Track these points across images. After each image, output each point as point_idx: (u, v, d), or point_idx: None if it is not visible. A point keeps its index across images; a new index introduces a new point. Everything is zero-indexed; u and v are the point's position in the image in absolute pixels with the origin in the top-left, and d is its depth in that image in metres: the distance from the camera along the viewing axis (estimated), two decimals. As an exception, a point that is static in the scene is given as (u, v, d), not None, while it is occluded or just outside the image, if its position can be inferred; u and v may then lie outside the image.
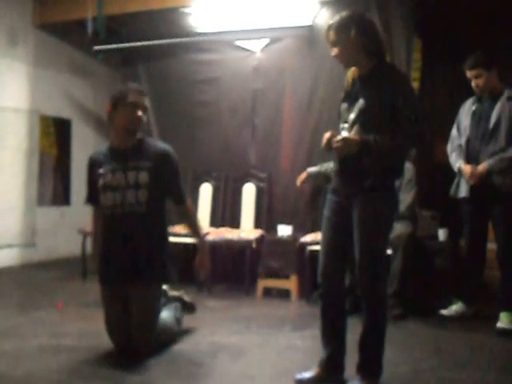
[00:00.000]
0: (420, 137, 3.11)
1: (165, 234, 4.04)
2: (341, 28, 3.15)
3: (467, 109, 4.93)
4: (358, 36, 3.12)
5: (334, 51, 3.21)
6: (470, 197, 4.82)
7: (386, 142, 3.01)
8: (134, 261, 3.83)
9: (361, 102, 3.12)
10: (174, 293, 4.40)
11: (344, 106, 3.25)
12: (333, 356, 3.34)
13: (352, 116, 3.16)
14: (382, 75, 3.13)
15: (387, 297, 3.32)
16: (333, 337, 3.34)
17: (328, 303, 3.34)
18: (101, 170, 3.90)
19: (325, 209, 3.36)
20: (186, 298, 4.49)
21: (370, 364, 3.21)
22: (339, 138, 3.07)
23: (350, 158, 3.13)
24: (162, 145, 4.03)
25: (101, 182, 3.88)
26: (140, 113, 3.86)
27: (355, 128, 3.13)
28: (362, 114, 3.12)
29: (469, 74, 4.79)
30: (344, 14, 3.19)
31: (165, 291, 4.27)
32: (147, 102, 3.99)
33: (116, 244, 3.87)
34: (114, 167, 3.87)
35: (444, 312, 5.04)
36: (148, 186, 3.81)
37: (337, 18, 3.18)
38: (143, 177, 3.82)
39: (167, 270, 3.98)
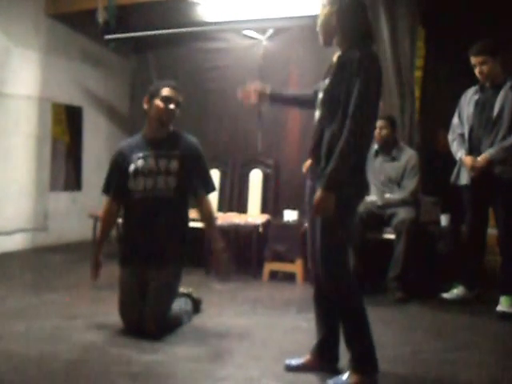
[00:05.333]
0: (355, 137, 2.87)
1: (187, 219, 4.26)
2: (325, 3, 3.09)
3: (469, 98, 4.92)
4: (335, 13, 3.02)
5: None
6: (470, 184, 4.88)
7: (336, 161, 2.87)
8: (158, 243, 4.00)
9: (325, 83, 3.09)
10: (183, 290, 4.48)
11: (321, 84, 3.17)
12: (324, 342, 3.30)
13: (320, 95, 3.14)
14: (350, 59, 2.94)
15: (349, 286, 3.05)
16: (324, 323, 3.30)
17: (318, 289, 3.28)
18: (133, 157, 4.08)
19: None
20: (195, 295, 4.57)
21: (355, 360, 3.04)
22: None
23: (314, 146, 3.10)
24: (191, 138, 4.24)
25: (132, 167, 4.06)
26: (172, 106, 4.07)
27: (321, 108, 3.10)
28: (324, 95, 3.08)
29: (474, 60, 4.78)
30: None
31: None
32: (181, 97, 4.16)
33: (143, 226, 4.02)
34: (146, 154, 4.08)
35: (445, 295, 5.11)
36: (177, 173, 4.03)
37: None
38: (173, 164, 4.04)
39: (187, 252, 4.15)
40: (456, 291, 5.12)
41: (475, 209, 4.96)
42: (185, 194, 4.13)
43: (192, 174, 4.11)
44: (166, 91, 4.08)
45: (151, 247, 4.01)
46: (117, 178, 4.15)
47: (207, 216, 4.24)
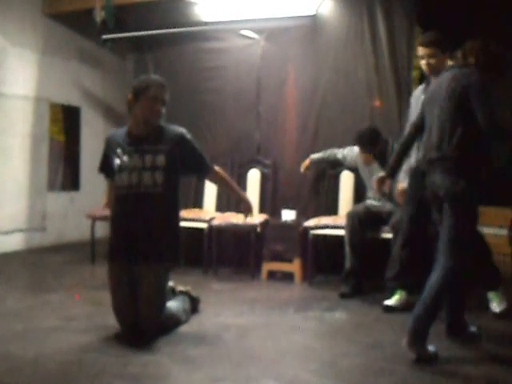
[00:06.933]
0: None
1: (177, 217, 4.15)
2: None
3: (417, 98, 4.68)
4: None
5: None
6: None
7: None
8: (146, 240, 3.93)
9: None
10: (181, 288, 4.48)
11: None
12: None
13: None
14: None
15: None
16: None
17: None
18: (118, 150, 4.01)
19: None
20: (193, 294, 4.55)
21: None
22: None
23: None
24: (177, 128, 4.13)
25: (117, 162, 3.99)
26: (159, 106, 3.97)
27: None
28: None
29: (422, 51, 4.51)
30: None
31: (172, 287, 4.36)
32: (167, 95, 4.07)
33: (129, 224, 3.95)
34: (131, 150, 3.98)
35: (387, 302, 4.77)
36: (165, 168, 3.93)
37: None
38: (160, 160, 3.93)
39: (177, 250, 4.09)
40: (397, 297, 4.79)
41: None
42: (174, 190, 4.05)
43: (186, 162, 4.03)
44: (153, 91, 3.97)
45: (138, 244, 3.93)
46: (109, 161, 4.09)
47: (223, 184, 4.41)
